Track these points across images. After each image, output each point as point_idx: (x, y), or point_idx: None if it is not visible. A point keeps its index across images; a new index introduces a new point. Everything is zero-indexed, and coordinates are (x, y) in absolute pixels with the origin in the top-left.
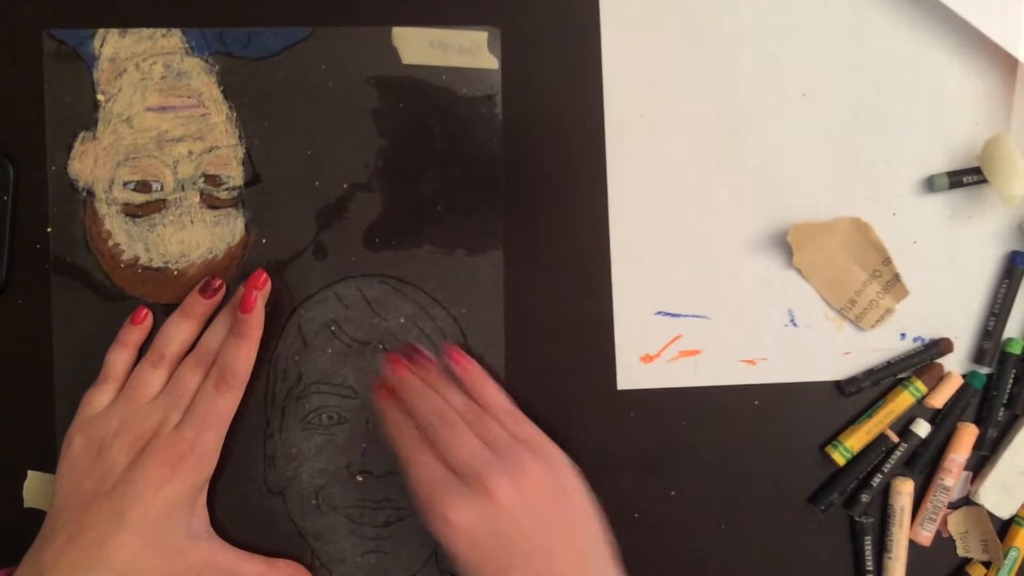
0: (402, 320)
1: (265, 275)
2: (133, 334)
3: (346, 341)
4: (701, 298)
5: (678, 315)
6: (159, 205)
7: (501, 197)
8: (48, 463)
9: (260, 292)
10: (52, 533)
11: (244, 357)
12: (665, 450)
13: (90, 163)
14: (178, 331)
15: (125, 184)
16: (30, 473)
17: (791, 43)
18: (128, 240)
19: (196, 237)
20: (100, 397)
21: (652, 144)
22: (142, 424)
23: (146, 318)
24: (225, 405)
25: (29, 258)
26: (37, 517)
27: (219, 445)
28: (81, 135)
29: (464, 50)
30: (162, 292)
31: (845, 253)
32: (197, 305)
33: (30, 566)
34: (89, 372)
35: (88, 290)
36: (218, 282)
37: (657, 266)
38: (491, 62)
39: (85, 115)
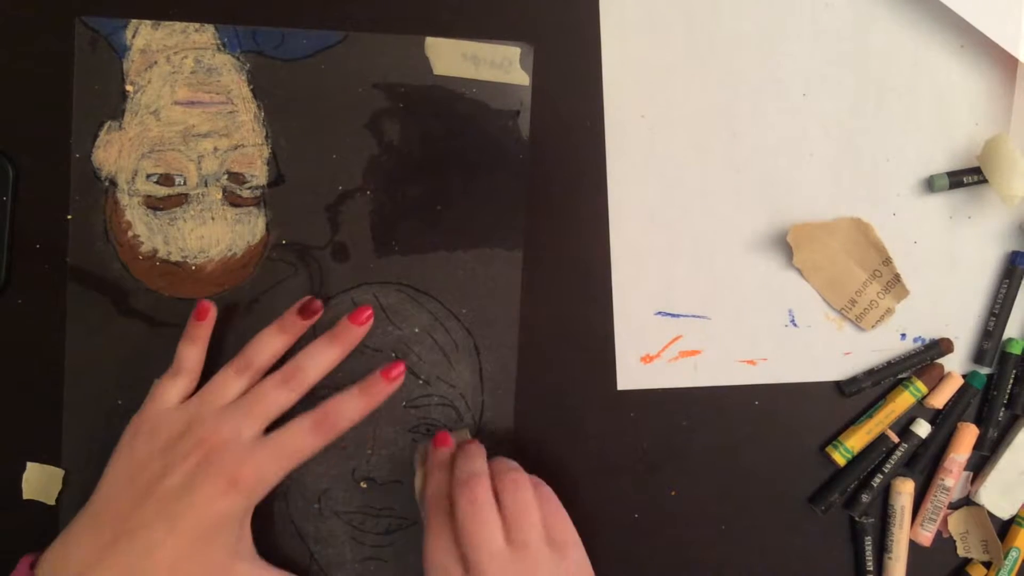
0: (416, 330)
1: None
2: (200, 329)
3: (359, 347)
4: (701, 298)
5: (678, 315)
6: (181, 199)
7: (523, 211)
8: (47, 457)
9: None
10: (99, 524)
11: (357, 414)
12: (665, 450)
13: (114, 153)
14: (271, 344)
15: (148, 176)
16: (29, 465)
17: (791, 43)
18: (148, 232)
19: (216, 234)
20: (171, 391)
21: (652, 144)
22: (211, 428)
23: (209, 312)
24: (311, 446)
25: (29, 258)
26: (36, 509)
27: (280, 478)
28: (107, 124)
29: (496, 65)
30: (179, 286)
31: (845, 253)
32: (295, 324)
33: (76, 554)
34: (99, 363)
35: (103, 282)
36: (317, 304)
37: (657, 266)
38: (522, 78)
39: (112, 105)
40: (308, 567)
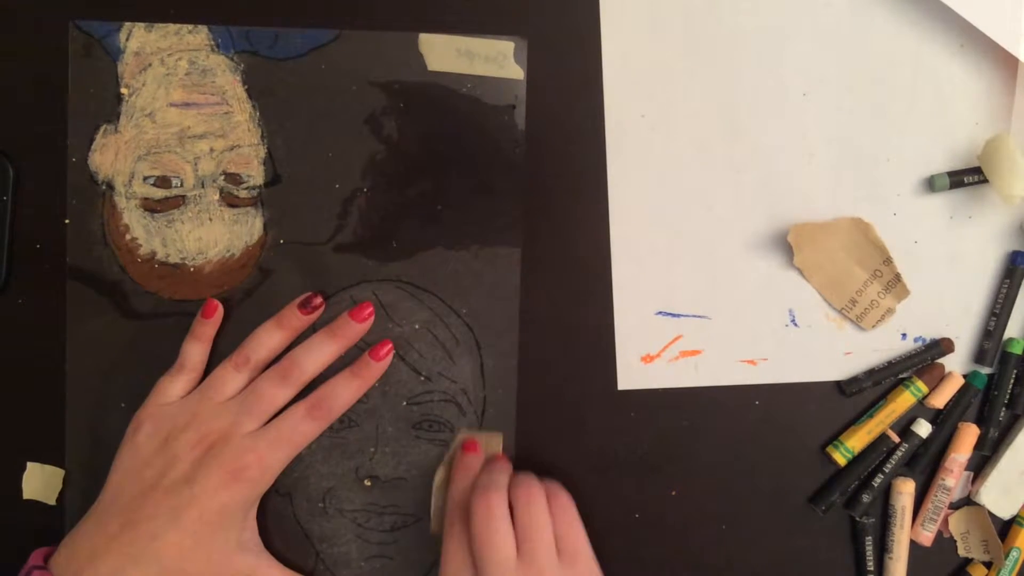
0: (416, 326)
1: (370, 308)
2: (206, 327)
3: (360, 345)
4: (701, 298)
5: (678, 315)
6: (178, 201)
7: (521, 206)
8: (48, 457)
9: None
10: (107, 516)
11: (350, 397)
12: (665, 450)
13: (111, 156)
14: (269, 340)
15: (145, 179)
16: (29, 465)
17: (791, 43)
18: (146, 235)
19: (214, 235)
20: (174, 387)
21: (652, 144)
22: (211, 423)
23: (216, 311)
24: (309, 432)
25: (29, 258)
26: (37, 509)
27: (284, 467)
28: (103, 128)
29: (490, 59)
30: (177, 288)
31: (846, 253)
32: (294, 319)
33: (83, 544)
34: (100, 365)
35: (102, 284)
36: (318, 299)
37: (657, 266)
38: (516, 72)
39: (108, 108)
40: (314, 567)
